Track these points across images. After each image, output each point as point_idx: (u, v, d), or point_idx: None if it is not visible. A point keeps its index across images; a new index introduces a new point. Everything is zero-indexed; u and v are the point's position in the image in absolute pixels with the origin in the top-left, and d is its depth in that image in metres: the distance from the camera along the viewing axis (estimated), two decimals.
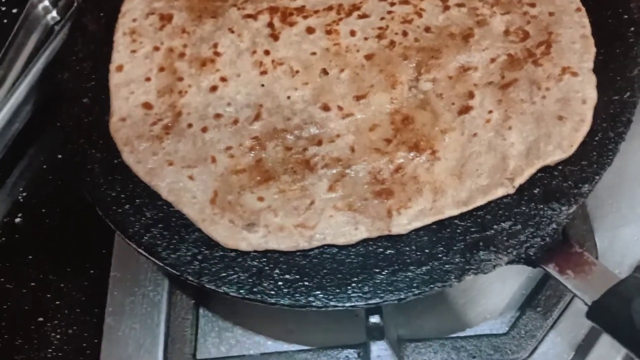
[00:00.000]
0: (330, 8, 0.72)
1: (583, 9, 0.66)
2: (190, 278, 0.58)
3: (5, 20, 0.94)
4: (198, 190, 0.63)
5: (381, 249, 0.58)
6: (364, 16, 0.71)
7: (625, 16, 0.65)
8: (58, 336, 0.73)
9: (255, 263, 0.58)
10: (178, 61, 0.71)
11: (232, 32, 0.71)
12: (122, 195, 0.63)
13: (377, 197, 0.61)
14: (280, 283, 0.57)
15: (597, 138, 0.59)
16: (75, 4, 0.90)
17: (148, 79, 0.70)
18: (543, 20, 0.66)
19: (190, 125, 0.67)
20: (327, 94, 0.67)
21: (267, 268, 0.58)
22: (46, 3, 0.93)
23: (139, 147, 0.66)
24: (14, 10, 0.95)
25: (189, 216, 0.61)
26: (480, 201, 0.58)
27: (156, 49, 0.72)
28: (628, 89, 0.61)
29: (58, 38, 0.89)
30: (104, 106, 0.69)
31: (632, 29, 0.64)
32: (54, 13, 0.93)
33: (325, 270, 0.58)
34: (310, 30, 0.71)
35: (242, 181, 0.63)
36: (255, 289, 0.57)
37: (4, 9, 0.96)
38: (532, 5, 0.67)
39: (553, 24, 0.66)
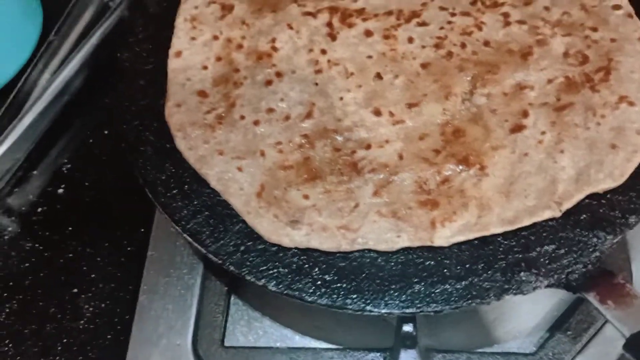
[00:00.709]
0: (390, 13, 0.72)
1: None
2: (232, 268, 0.59)
3: None
4: (245, 182, 0.64)
5: (421, 259, 0.58)
6: (423, 24, 0.71)
7: None
8: (91, 309, 0.75)
9: (296, 260, 0.59)
10: (235, 52, 0.72)
11: (291, 28, 0.72)
12: (172, 180, 0.64)
13: (422, 206, 0.61)
14: (319, 282, 0.58)
15: None
16: None
17: (205, 67, 0.71)
18: (604, 45, 0.66)
19: (242, 117, 0.67)
20: (379, 99, 0.67)
21: (306, 266, 0.59)
22: None
23: (191, 133, 0.67)
24: None
25: (235, 207, 0.62)
26: (526, 221, 0.58)
27: (215, 38, 0.73)
28: None
29: (113, 16, 0.90)
30: (160, 90, 0.69)
31: None
32: None
33: (364, 275, 0.58)
34: (368, 33, 0.71)
35: (289, 177, 0.64)
36: (293, 286, 0.58)
37: None
38: (594, 29, 0.67)
39: (614, 51, 0.65)
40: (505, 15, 0.69)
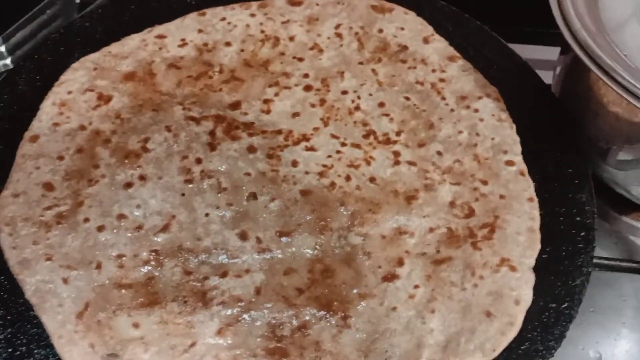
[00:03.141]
0: (279, 132, 0.67)
1: (536, 200, 0.62)
2: None
3: None
4: (68, 297, 0.54)
5: None
6: (311, 149, 0.66)
7: (578, 218, 0.61)
8: None
9: None
10: (101, 146, 0.64)
11: (169, 130, 0.66)
12: None
13: (268, 355, 0.52)
14: None
15: (523, 347, 0.52)
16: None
17: (61, 158, 0.63)
18: (492, 201, 0.62)
19: (87, 220, 0.59)
20: (249, 222, 0.60)
21: None
22: None
23: (21, 230, 0.57)
24: None
25: (47, 327, 0.52)
26: None
27: (82, 128, 0.66)
28: (567, 299, 0.55)
29: None
30: (4, 176, 0.61)
31: (583, 233, 0.60)
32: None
33: None
34: (251, 149, 0.65)
35: (123, 299, 0.54)
36: None
37: None
38: (485, 182, 0.63)
39: (502, 208, 0.61)
40: (396, 153, 0.65)
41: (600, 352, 0.70)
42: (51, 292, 0.54)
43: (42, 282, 0.54)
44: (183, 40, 0.73)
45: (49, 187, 0.61)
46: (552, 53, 0.74)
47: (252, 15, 0.75)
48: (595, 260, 0.74)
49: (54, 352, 0.51)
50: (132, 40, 0.73)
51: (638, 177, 0.68)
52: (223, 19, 0.75)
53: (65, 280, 0.55)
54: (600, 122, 0.66)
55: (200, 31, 0.74)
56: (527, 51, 0.76)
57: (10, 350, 0.50)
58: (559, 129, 0.68)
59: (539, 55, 0.80)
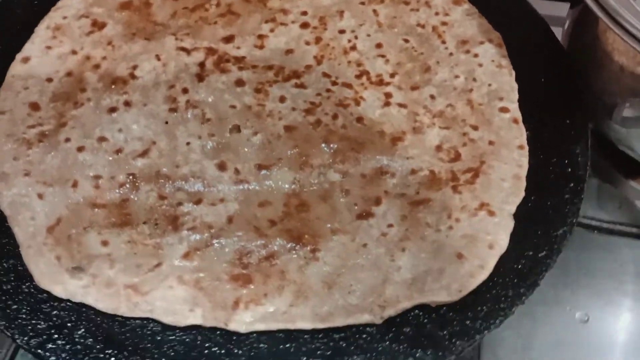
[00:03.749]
0: (270, 67, 0.65)
1: (526, 147, 0.59)
2: None
3: None
4: (42, 211, 0.54)
5: (208, 344, 0.48)
6: (301, 86, 0.64)
7: (570, 169, 0.58)
8: None
9: (63, 315, 0.49)
10: (90, 71, 0.64)
11: (159, 59, 0.65)
12: None
13: (232, 281, 0.52)
14: (78, 347, 0.47)
15: (493, 292, 0.51)
16: None
17: (50, 80, 0.63)
18: (481, 147, 0.59)
19: (68, 140, 0.59)
20: (229, 153, 0.60)
21: (70, 324, 0.48)
22: None
23: (2, 146, 0.58)
24: None
25: (17, 237, 0.53)
26: (340, 322, 0.49)
27: (74, 52, 0.66)
28: (546, 248, 0.53)
29: None
30: None
31: (572, 185, 0.57)
32: None
33: (138, 348, 0.48)
34: (239, 82, 0.64)
35: (95, 217, 0.55)
36: (47, 345, 0.47)
37: None
38: (475, 128, 0.61)
39: (489, 154, 0.59)
40: (388, 95, 0.63)
41: (589, 314, 0.68)
42: (26, 205, 0.55)
43: (17, 195, 0.55)
44: None
45: (35, 107, 0.61)
46: (564, 9, 0.70)
47: None
48: (594, 223, 0.72)
49: (22, 262, 0.51)
50: None
51: None
52: None
53: (40, 196, 0.55)
54: (606, 74, 0.63)
55: None
56: (539, 6, 0.72)
57: None
58: (562, 79, 0.64)
59: (551, 11, 0.76)
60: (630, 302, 0.69)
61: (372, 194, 0.57)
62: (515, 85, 0.64)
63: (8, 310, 0.49)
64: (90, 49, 0.66)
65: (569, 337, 0.67)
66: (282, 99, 0.63)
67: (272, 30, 0.69)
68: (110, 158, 0.58)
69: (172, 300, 0.50)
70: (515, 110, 0.62)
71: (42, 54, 0.65)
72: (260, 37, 0.68)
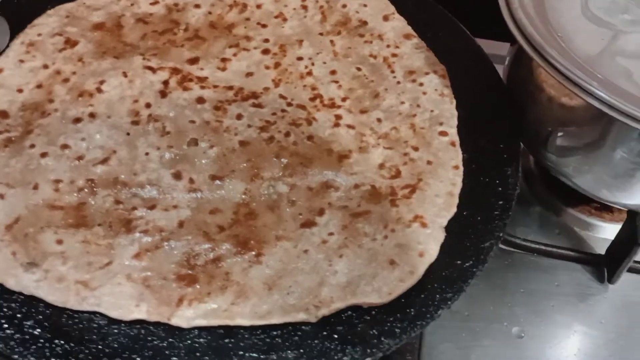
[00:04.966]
0: (230, 87, 0.70)
1: (461, 168, 0.64)
2: None
3: None
4: (2, 210, 0.57)
5: (151, 337, 0.51)
6: (258, 105, 0.69)
7: (500, 188, 0.63)
8: None
9: (14, 306, 0.52)
10: (59, 85, 0.68)
11: (126, 76, 0.69)
12: None
13: (178, 280, 0.55)
14: (26, 336, 0.50)
15: (422, 296, 0.54)
16: None
17: (20, 90, 0.67)
18: (419, 166, 0.64)
19: (32, 146, 0.62)
20: (186, 164, 0.63)
21: (20, 315, 0.51)
22: None
23: None
24: None
25: None
26: (276, 319, 0.52)
27: (45, 67, 0.70)
28: (473, 258, 0.57)
29: None
30: None
31: (501, 202, 0.61)
32: None
33: (84, 339, 0.51)
34: (200, 100, 0.68)
35: (53, 218, 0.58)
36: None
37: None
38: (416, 149, 0.66)
39: (426, 173, 0.63)
40: (338, 117, 0.68)
41: (525, 331, 0.72)
42: None
43: None
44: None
45: (4, 114, 0.65)
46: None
47: None
48: (532, 245, 0.76)
49: None
50: None
51: (578, 165, 0.69)
52: None
53: (1, 196, 0.58)
54: (539, 105, 0.68)
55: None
56: (486, 45, 0.78)
57: None
58: (499, 108, 0.70)
59: (497, 50, 0.82)
60: (565, 319, 0.73)
61: (316, 205, 0.61)
62: (455, 112, 0.69)
63: None
64: (62, 64, 0.70)
65: (505, 352, 0.70)
66: (239, 117, 0.68)
67: (235, 55, 0.74)
68: (71, 164, 0.62)
69: (120, 295, 0.53)
70: (453, 135, 0.67)
71: (14, 67, 0.69)
72: (224, 60, 0.73)
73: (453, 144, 0.66)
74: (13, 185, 0.59)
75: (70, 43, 0.72)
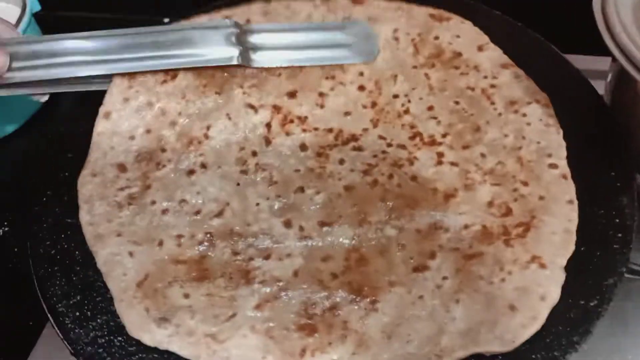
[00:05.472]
0: (330, 130, 0.71)
1: (575, 202, 0.62)
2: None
3: None
4: (132, 268, 0.61)
5: None
6: (358, 149, 0.70)
7: (617, 220, 0.60)
8: None
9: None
10: (167, 130, 0.70)
11: (229, 118, 0.72)
12: (58, 256, 0.62)
13: (299, 330, 0.57)
14: None
15: (547, 340, 0.53)
16: None
17: (132, 137, 0.70)
18: (531, 202, 0.63)
19: (153, 202, 0.66)
20: (294, 211, 0.65)
21: None
22: None
23: (98, 209, 0.66)
24: None
25: (112, 292, 0.60)
26: None
27: (150, 104, 0.71)
28: (597, 297, 0.55)
29: None
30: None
31: (620, 235, 0.59)
32: None
33: None
34: (303, 147, 0.70)
35: (178, 273, 0.61)
36: None
37: None
38: (525, 184, 0.64)
39: (539, 209, 0.62)
40: (440, 154, 0.68)
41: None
42: (118, 263, 0.61)
43: (111, 254, 0.62)
44: (248, 21, 0.78)
45: (122, 168, 0.68)
46: (606, 63, 0.74)
47: (315, 6, 0.80)
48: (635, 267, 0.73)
49: (114, 318, 0.58)
50: (200, 18, 0.78)
51: None
52: (287, 7, 0.79)
53: (131, 254, 0.62)
54: None
55: (265, 14, 0.79)
56: (581, 61, 0.76)
57: (77, 314, 0.58)
58: (606, 135, 0.67)
59: (594, 65, 0.79)
60: None
61: (427, 248, 0.61)
62: (563, 143, 0.67)
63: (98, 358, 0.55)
64: (166, 101, 0.71)
65: None
66: (341, 162, 0.69)
67: (332, 89, 0.74)
68: (190, 219, 0.65)
69: (246, 348, 0.56)
70: (564, 167, 0.65)
71: (121, 107, 0.71)
72: (321, 94, 0.74)
73: (565, 176, 0.64)
74: (140, 242, 0.63)
75: (170, 74, 0.72)
